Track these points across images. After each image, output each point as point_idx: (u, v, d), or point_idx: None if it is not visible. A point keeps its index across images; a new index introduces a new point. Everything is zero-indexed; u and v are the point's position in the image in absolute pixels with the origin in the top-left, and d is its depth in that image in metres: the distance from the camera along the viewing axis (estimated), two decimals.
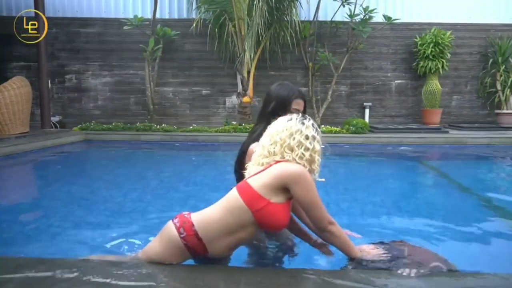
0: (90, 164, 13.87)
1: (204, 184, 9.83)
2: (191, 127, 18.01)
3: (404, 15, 19.82)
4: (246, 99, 18.08)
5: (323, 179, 4.01)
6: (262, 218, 3.60)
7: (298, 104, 4.50)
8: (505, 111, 19.35)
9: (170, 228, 3.76)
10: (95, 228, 6.29)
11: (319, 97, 19.59)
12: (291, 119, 3.89)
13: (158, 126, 17.87)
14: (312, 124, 3.90)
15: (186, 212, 3.83)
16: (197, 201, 7.88)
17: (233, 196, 3.72)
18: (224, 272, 3.68)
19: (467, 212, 7.39)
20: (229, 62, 19.29)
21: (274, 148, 3.82)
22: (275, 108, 4.50)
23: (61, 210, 7.56)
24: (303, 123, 3.85)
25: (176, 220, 3.78)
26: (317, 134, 3.88)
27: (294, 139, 3.77)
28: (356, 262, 3.90)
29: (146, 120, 18.72)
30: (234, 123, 18.24)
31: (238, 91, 18.58)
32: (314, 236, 4.24)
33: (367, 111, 19.93)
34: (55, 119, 18.44)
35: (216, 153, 15.50)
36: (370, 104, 19.99)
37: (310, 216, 3.84)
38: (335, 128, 17.35)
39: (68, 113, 19.87)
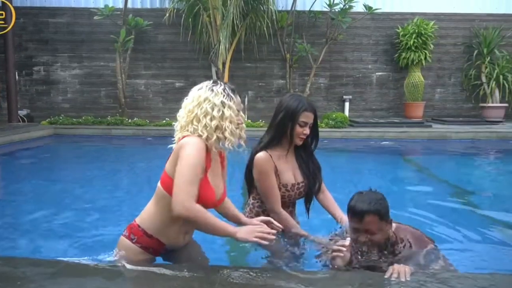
0: (59, 159, 14.22)
1: None
2: (164, 121, 18.34)
3: (386, 4, 20.28)
4: None
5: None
6: None
7: (306, 116, 4.63)
8: (490, 104, 19.77)
9: (122, 240, 4.02)
10: (63, 227, 6.55)
11: (297, 89, 19.92)
12: (201, 88, 3.89)
13: (129, 120, 18.29)
14: (224, 90, 3.86)
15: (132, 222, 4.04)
16: None
17: (158, 186, 3.92)
18: (201, 271, 3.79)
19: (448, 209, 7.71)
20: (203, 53, 19.55)
21: (184, 121, 3.88)
22: (283, 119, 4.68)
23: (29, 207, 7.84)
24: (212, 90, 3.84)
25: (124, 232, 4.03)
26: (229, 99, 3.85)
27: (201, 108, 3.79)
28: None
29: (117, 114, 19.03)
30: None
31: None
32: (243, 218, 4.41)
33: (347, 104, 20.30)
34: (22, 112, 18.70)
35: None
36: (350, 97, 20.38)
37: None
38: None
39: (36, 106, 20.23)
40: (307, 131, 4.68)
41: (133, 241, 3.93)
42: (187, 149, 3.67)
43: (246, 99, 19.96)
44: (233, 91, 3.93)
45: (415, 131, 17.21)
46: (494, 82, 19.66)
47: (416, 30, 19.15)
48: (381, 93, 20.76)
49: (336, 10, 18.84)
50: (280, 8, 19.81)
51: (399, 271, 3.50)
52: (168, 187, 3.74)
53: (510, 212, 7.55)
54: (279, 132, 4.73)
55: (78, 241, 5.94)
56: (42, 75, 20.32)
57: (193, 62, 20.09)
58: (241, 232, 3.75)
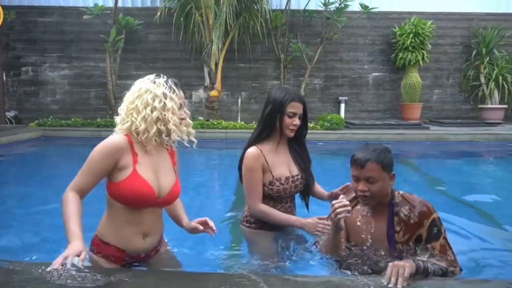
0: (47, 162, 14.05)
1: None
2: None
3: (382, 3, 20.23)
4: (213, 93, 18.41)
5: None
6: (124, 202, 3.82)
7: (294, 107, 4.71)
8: (489, 106, 19.75)
9: (89, 255, 3.89)
10: (50, 230, 6.40)
11: None
12: (143, 80, 3.91)
13: None
14: (166, 82, 3.89)
15: None
16: None
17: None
18: (190, 277, 3.70)
19: (446, 214, 7.40)
20: (195, 53, 19.56)
21: (124, 113, 3.88)
22: (271, 111, 4.78)
23: (16, 211, 7.82)
24: (154, 82, 3.86)
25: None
26: (171, 92, 3.85)
27: (142, 100, 3.79)
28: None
29: (107, 116, 18.80)
30: (201, 118, 18.47)
31: (205, 84, 18.89)
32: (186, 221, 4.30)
33: (342, 105, 20.25)
34: (10, 114, 18.54)
35: (180, 151, 15.69)
36: (345, 98, 20.32)
37: None
38: (309, 124, 17.27)
39: (24, 108, 20.12)
40: (296, 121, 4.75)
41: (94, 252, 3.95)
42: (98, 147, 3.79)
43: (239, 100, 19.98)
44: (176, 84, 3.96)
45: (412, 133, 17.06)
46: (493, 83, 19.63)
47: (414, 30, 19.08)
48: (378, 94, 20.72)
49: (332, 9, 18.81)
50: (274, 7, 19.78)
51: (399, 271, 3.44)
52: (108, 188, 3.88)
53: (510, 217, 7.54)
54: (269, 125, 4.81)
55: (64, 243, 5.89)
56: (30, 75, 20.22)
57: (185, 63, 20.03)
58: (74, 245, 3.45)
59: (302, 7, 19.79)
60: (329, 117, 17.71)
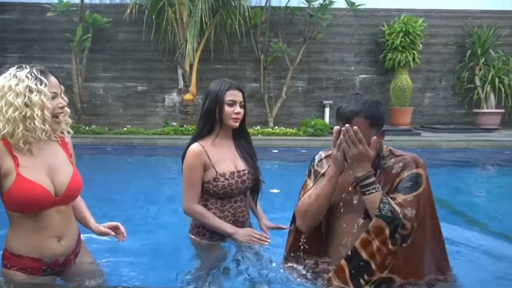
0: None
1: (140, 194, 9.93)
2: (125, 129, 18.11)
3: (370, 0, 19.98)
4: (188, 96, 18.26)
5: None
6: (19, 210, 3.75)
7: (232, 95, 4.78)
8: (485, 110, 19.53)
9: (1, 271, 3.94)
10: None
11: (272, 94, 19.86)
12: (5, 76, 3.65)
13: (87, 128, 17.88)
14: (30, 73, 3.64)
15: None
16: (131, 213, 7.92)
17: None
18: None
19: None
20: (168, 54, 19.33)
21: None
22: (209, 103, 4.84)
23: None
24: (16, 77, 3.60)
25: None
26: (37, 83, 3.62)
27: (5, 100, 3.59)
28: None
29: (73, 121, 18.30)
30: (175, 124, 18.38)
31: (179, 87, 18.72)
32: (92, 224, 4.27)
33: (327, 110, 20.06)
34: None
35: (154, 158, 15.64)
36: (330, 102, 20.12)
37: None
38: (291, 130, 17.51)
39: None
40: (238, 109, 4.82)
41: (7, 266, 3.86)
42: None
43: None
44: (43, 73, 3.70)
45: (403, 139, 16.57)
46: (489, 86, 19.45)
47: (404, 28, 18.91)
48: None
49: (315, 6, 18.53)
50: (253, 4, 19.46)
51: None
52: (2, 201, 3.76)
53: (507, 230, 7.49)
54: (209, 118, 4.88)
55: None
56: None
57: (157, 64, 19.84)
58: None
59: (283, 4, 19.53)
60: (313, 122, 17.59)
